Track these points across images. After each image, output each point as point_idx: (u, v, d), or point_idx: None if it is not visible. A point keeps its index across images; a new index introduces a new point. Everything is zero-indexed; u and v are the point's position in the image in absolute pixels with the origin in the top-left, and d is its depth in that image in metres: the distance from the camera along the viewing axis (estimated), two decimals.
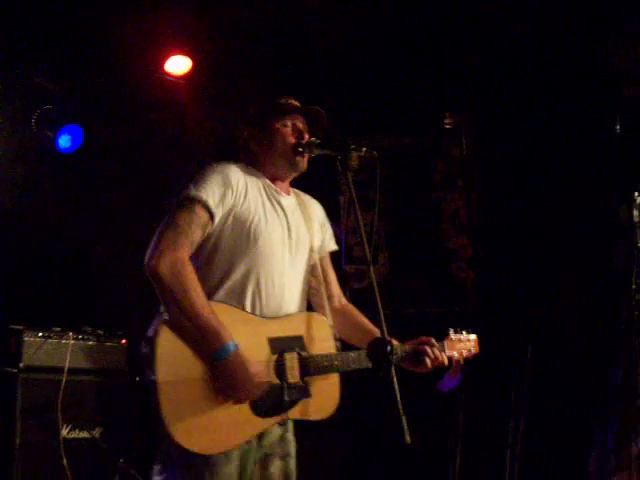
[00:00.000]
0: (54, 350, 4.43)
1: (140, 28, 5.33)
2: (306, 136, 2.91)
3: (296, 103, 2.98)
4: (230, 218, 2.74)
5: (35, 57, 5.46)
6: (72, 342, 4.49)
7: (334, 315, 2.99)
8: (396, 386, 2.37)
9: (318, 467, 4.94)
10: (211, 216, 2.69)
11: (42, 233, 5.71)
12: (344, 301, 3.17)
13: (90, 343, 4.61)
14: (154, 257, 2.59)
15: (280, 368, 2.68)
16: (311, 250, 2.98)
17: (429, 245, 5.25)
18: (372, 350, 2.51)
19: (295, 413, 2.71)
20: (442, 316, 5.05)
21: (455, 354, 3.12)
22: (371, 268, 2.59)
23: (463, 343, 3.18)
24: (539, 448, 4.56)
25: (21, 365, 4.30)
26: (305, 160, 2.91)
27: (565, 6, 4.78)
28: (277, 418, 2.68)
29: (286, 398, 2.66)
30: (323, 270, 3.05)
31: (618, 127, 4.42)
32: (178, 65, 5.51)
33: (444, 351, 3.03)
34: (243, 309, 2.72)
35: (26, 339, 4.35)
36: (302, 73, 5.45)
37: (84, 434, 4.42)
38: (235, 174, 2.78)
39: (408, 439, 2.31)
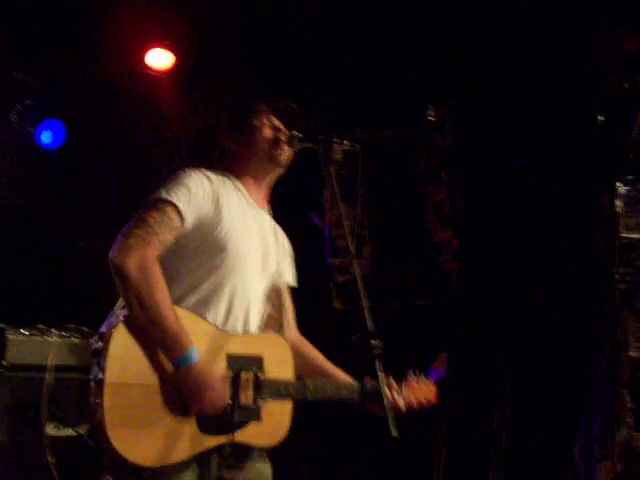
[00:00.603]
0: (38, 348, 4.39)
1: (122, 21, 5.30)
2: (283, 129, 2.87)
3: (268, 103, 2.93)
4: (200, 224, 2.65)
5: (14, 52, 5.41)
6: (56, 340, 4.46)
7: (290, 345, 2.89)
8: (383, 380, 2.37)
9: (302, 465, 4.95)
10: (182, 220, 2.60)
11: (25, 229, 5.68)
12: (297, 335, 3.06)
13: (74, 340, 4.57)
14: (121, 251, 2.49)
15: (234, 386, 2.57)
16: (277, 272, 2.91)
17: (414, 237, 5.25)
18: (358, 344, 2.50)
19: (242, 435, 2.59)
20: (427, 308, 5.06)
21: (413, 400, 2.99)
22: (355, 261, 2.57)
23: (422, 390, 3.05)
24: (524, 438, 4.59)
25: (4, 363, 4.26)
26: (285, 154, 2.86)
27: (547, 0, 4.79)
28: (222, 438, 2.56)
29: (235, 418, 2.55)
30: (282, 298, 2.96)
31: (600, 117, 4.43)
32: (160, 59, 5.48)
33: (401, 394, 2.93)
34: (205, 319, 2.63)
35: (9, 337, 4.31)
36: (284, 67, 5.43)
37: (69, 432, 4.39)
38: (208, 180, 2.72)
39: (395, 433, 2.30)
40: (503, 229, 4.94)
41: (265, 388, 2.64)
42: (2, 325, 4.35)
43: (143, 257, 2.49)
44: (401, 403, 2.90)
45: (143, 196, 5.90)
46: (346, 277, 5.15)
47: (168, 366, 2.47)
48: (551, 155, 4.77)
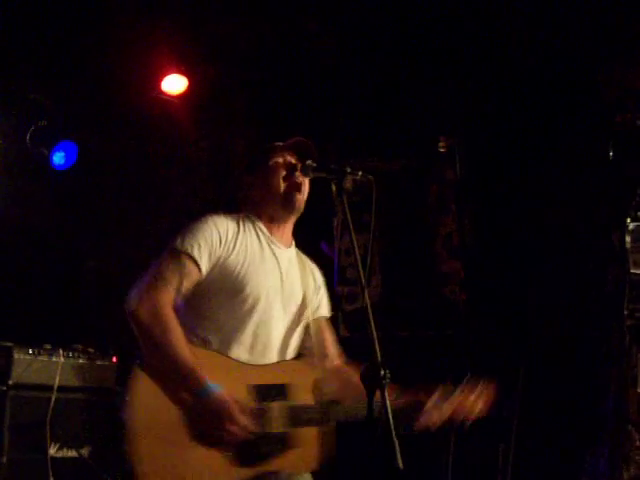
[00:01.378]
0: (44, 368, 4.40)
1: (137, 46, 5.36)
2: (298, 165, 2.91)
3: (283, 143, 2.99)
4: (219, 268, 2.75)
5: (31, 73, 5.47)
6: (62, 360, 4.46)
7: (327, 374, 2.90)
8: (390, 410, 2.36)
9: None
10: (198, 269, 2.70)
11: (34, 249, 5.70)
12: (340, 362, 3.06)
13: (80, 361, 4.57)
14: (135, 300, 2.62)
15: (261, 417, 2.60)
16: (305, 306, 2.95)
17: (422, 268, 5.25)
18: (366, 374, 2.48)
19: (274, 465, 2.61)
20: (435, 339, 5.04)
21: (461, 415, 2.90)
22: (366, 290, 2.57)
23: (474, 398, 2.94)
24: (530, 474, 4.55)
25: (10, 382, 4.27)
26: (298, 199, 2.90)
27: (560, 34, 4.83)
28: (255, 469, 2.59)
29: (264, 448, 2.57)
30: (319, 330, 3.00)
31: (611, 153, 4.45)
32: (174, 84, 5.53)
33: (445, 410, 2.85)
34: (228, 356, 2.69)
35: (16, 356, 4.32)
36: (297, 97, 5.48)
37: (72, 453, 4.38)
38: (225, 225, 2.81)
39: (400, 464, 2.29)
40: (512, 262, 4.94)
41: (292, 415, 2.66)
42: (9, 344, 4.36)
43: (154, 303, 2.60)
44: (439, 420, 2.81)
45: (152, 218, 5.94)
46: (354, 306, 5.15)
47: (189, 402, 2.52)
48: (561, 190, 4.77)
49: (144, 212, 5.90)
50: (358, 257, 2.62)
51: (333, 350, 3.05)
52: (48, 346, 4.49)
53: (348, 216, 2.68)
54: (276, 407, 2.64)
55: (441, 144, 5.19)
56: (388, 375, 2.41)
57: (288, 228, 3.00)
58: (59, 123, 5.61)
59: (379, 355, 2.45)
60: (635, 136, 4.44)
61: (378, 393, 2.34)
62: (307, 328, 2.98)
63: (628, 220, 4.33)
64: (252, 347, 2.74)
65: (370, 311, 2.53)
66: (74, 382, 4.51)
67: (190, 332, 2.69)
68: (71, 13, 5.31)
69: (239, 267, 2.77)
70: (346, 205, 2.70)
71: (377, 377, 2.40)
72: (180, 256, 2.69)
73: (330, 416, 2.72)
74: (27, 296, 5.42)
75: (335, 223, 5.26)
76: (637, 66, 4.57)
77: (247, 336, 2.74)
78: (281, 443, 2.62)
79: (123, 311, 2.63)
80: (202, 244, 2.72)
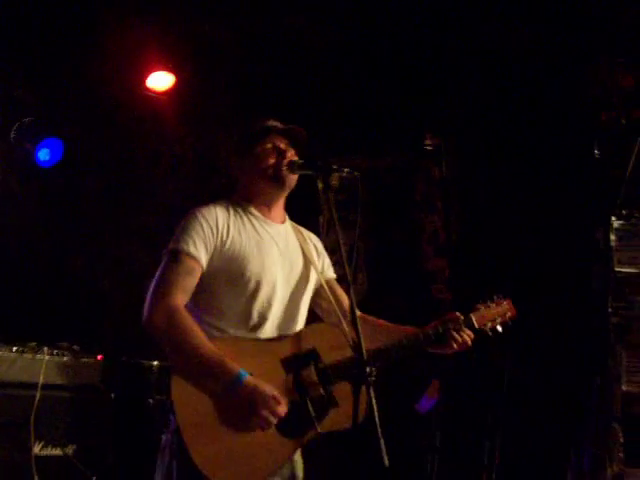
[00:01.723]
0: (28, 365, 4.37)
1: (123, 43, 5.34)
2: (288, 154, 2.94)
3: (275, 123, 3.02)
4: (217, 257, 2.81)
5: (15, 70, 5.44)
6: (47, 357, 4.43)
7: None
8: (375, 408, 2.36)
9: None
10: (198, 263, 2.77)
11: (19, 247, 5.67)
12: (359, 313, 3.11)
13: (65, 359, 4.55)
14: (148, 312, 2.69)
15: (300, 385, 2.70)
16: (311, 271, 3.02)
17: (408, 266, 5.26)
18: (351, 372, 2.49)
19: (326, 426, 2.71)
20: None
21: (488, 324, 3.04)
22: (352, 288, 2.59)
23: (494, 310, 3.10)
24: (515, 470, 4.57)
25: None
26: (291, 177, 2.94)
27: (546, 32, 4.84)
28: (309, 435, 2.69)
29: (312, 413, 2.67)
30: (331, 290, 3.06)
31: (596, 152, 4.47)
32: (160, 81, 5.52)
33: (473, 326, 2.99)
34: (250, 338, 2.77)
35: (0, 354, 4.29)
36: (283, 93, 5.47)
37: (57, 451, 4.36)
38: (214, 215, 2.86)
39: (386, 461, 2.30)
40: (497, 260, 4.95)
41: (329, 374, 2.74)
42: None
43: (166, 309, 2.67)
44: (466, 339, 2.94)
45: (138, 215, 5.91)
46: None
47: (223, 394, 2.60)
48: (547, 188, 4.79)
49: (130, 209, 5.88)
50: (344, 254, 2.64)
51: (348, 304, 3.10)
52: (33, 344, 4.46)
53: (334, 213, 2.70)
54: (311, 371, 2.73)
55: (427, 142, 5.20)
56: (374, 372, 2.43)
57: (280, 205, 3.04)
58: (44, 120, 5.58)
59: (364, 353, 2.47)
60: (620, 134, 4.46)
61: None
62: (320, 291, 3.05)
63: (613, 218, 4.34)
64: (262, 327, 2.80)
65: (355, 308, 2.55)
66: (59, 380, 4.48)
67: (205, 324, 2.76)
68: (57, 10, 5.29)
69: (236, 252, 2.82)
70: (332, 202, 2.71)
71: (363, 374, 2.41)
72: (179, 256, 2.76)
73: (369, 361, 2.74)
74: (11, 293, 5.39)
75: (321, 221, 5.26)
76: (622, 64, 4.59)
77: (254, 317, 2.80)
78: (327, 402, 2.71)
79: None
80: (196, 239, 2.78)
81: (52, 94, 5.68)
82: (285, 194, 3.01)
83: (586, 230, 4.58)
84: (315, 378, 2.72)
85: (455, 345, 2.93)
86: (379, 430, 2.33)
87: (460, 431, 4.72)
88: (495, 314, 3.10)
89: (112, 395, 4.66)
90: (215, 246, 2.81)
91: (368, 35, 5.27)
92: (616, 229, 4.34)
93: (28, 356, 4.38)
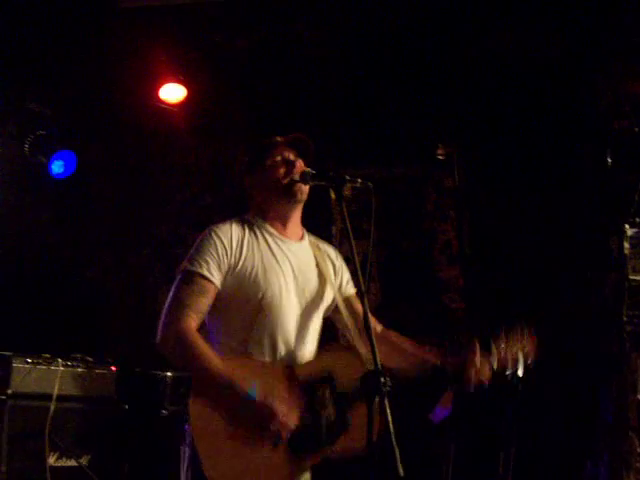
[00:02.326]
0: (43, 377, 4.37)
1: (135, 55, 5.37)
2: (297, 164, 2.93)
3: (282, 138, 3.02)
4: (231, 277, 2.81)
5: (29, 82, 5.48)
6: (61, 369, 4.44)
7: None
8: (390, 418, 2.36)
9: None
10: (212, 283, 2.78)
11: (33, 259, 5.70)
12: (379, 328, 3.14)
13: (79, 370, 4.56)
14: (161, 335, 2.71)
15: (313, 408, 2.72)
16: (325, 292, 3.00)
17: (421, 275, 5.25)
18: (365, 382, 2.49)
19: (336, 449, 2.73)
20: (433, 347, 5.03)
21: (509, 362, 2.97)
22: (365, 298, 2.59)
23: (515, 347, 3.01)
24: None
25: (9, 392, 4.24)
26: (300, 188, 2.92)
27: (557, 41, 4.84)
28: (317, 457, 2.72)
29: (324, 436, 2.70)
30: (350, 306, 3.06)
31: (609, 160, 4.46)
32: (173, 93, 5.54)
33: (492, 362, 2.93)
34: (263, 360, 2.78)
35: (14, 365, 4.30)
36: (295, 103, 5.48)
37: (71, 462, 4.36)
38: (227, 235, 2.85)
39: (401, 471, 2.29)
40: (510, 269, 4.94)
41: (343, 398, 2.76)
42: (8, 353, 4.34)
43: (178, 332, 2.69)
44: (484, 376, 2.91)
45: (151, 227, 5.94)
46: None
47: (236, 410, 2.63)
48: (560, 197, 4.78)
49: (143, 220, 5.90)
50: (357, 265, 2.63)
51: (369, 321, 3.08)
52: (47, 355, 4.47)
53: (347, 223, 2.69)
54: (326, 394, 2.74)
55: (440, 151, 5.20)
56: (388, 383, 2.43)
57: (295, 220, 3.02)
58: (58, 132, 5.61)
59: (379, 362, 2.47)
60: (633, 142, 4.45)
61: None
62: (338, 308, 3.03)
63: (626, 226, 4.33)
64: (274, 348, 2.81)
65: (369, 318, 2.55)
66: (73, 391, 4.49)
67: (217, 343, 2.80)
68: (70, 22, 5.33)
69: (249, 272, 2.82)
70: (345, 212, 2.71)
71: (377, 384, 2.41)
72: (193, 277, 2.76)
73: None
74: (26, 305, 5.41)
75: (334, 231, 5.26)
76: (635, 72, 4.59)
77: (265, 337, 2.80)
78: (339, 427, 2.73)
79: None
80: (209, 260, 2.78)
81: (65, 107, 5.71)
82: (299, 207, 3.00)
83: (600, 238, 4.57)
84: (329, 402, 2.74)
85: (472, 380, 2.90)
86: (394, 440, 2.32)
87: (474, 441, 4.70)
88: (515, 353, 3.02)
89: (126, 406, 4.67)
90: (229, 266, 2.81)
91: (382, 45, 5.28)
92: (630, 237, 4.33)
93: (42, 367, 4.39)
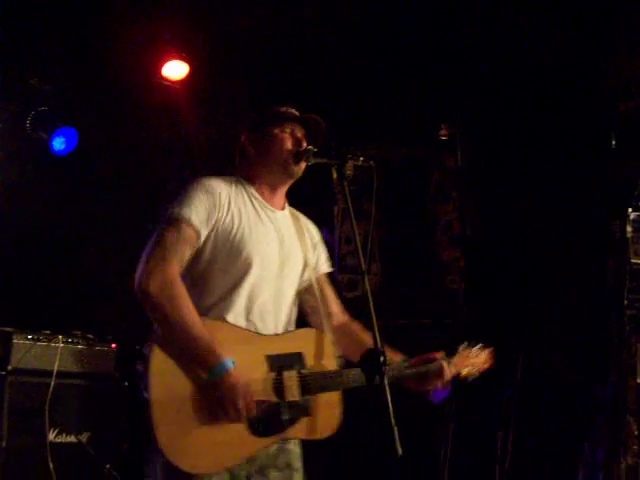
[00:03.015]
0: (43, 353, 4.39)
1: (138, 32, 5.33)
2: (304, 144, 2.89)
3: (295, 112, 2.97)
4: (215, 233, 2.73)
5: (31, 59, 5.45)
6: (61, 345, 4.45)
7: (334, 333, 2.93)
8: (389, 397, 2.36)
9: None
10: (197, 233, 2.68)
11: (34, 235, 5.69)
12: (345, 318, 3.09)
13: (79, 347, 4.57)
14: (143, 276, 2.58)
15: (278, 386, 2.65)
16: (305, 266, 2.95)
17: (422, 256, 5.25)
18: (365, 360, 2.48)
19: (295, 432, 2.68)
20: (434, 328, 5.04)
21: (463, 371, 3.02)
22: (365, 278, 2.57)
23: (474, 359, 3.07)
24: (528, 463, 4.55)
25: (9, 367, 4.25)
26: (301, 167, 2.89)
27: (562, 24, 4.80)
28: (275, 437, 2.64)
29: (284, 417, 2.63)
30: (320, 288, 3.00)
31: (613, 142, 4.43)
32: (175, 70, 5.51)
33: (452, 368, 2.95)
34: (237, 325, 2.69)
35: (15, 341, 4.31)
36: (298, 82, 5.45)
37: (71, 438, 4.38)
38: (219, 188, 2.77)
39: (400, 450, 2.29)
40: (512, 251, 4.93)
41: (310, 383, 2.70)
42: (8, 329, 4.35)
43: (164, 278, 2.57)
44: (447, 380, 2.89)
45: (153, 205, 5.93)
46: (354, 293, 5.15)
47: (203, 378, 2.54)
48: (563, 179, 4.76)
49: (145, 198, 5.89)
50: (358, 244, 2.62)
51: (336, 307, 3.08)
52: (47, 332, 4.48)
53: (349, 202, 2.67)
54: (293, 375, 2.68)
55: (442, 132, 5.18)
56: (387, 361, 2.43)
57: (282, 192, 2.97)
58: (59, 109, 5.59)
59: (379, 342, 2.46)
60: (638, 125, 4.43)
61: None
62: (310, 287, 2.98)
63: (630, 210, 4.31)
64: (249, 310, 2.73)
65: (370, 298, 2.54)
66: (73, 368, 4.50)
67: (192, 298, 2.65)
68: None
69: (235, 230, 2.75)
70: (347, 191, 2.69)
71: (377, 363, 2.41)
72: (179, 223, 2.66)
73: (344, 383, 2.76)
74: (26, 282, 5.42)
75: (335, 211, 5.25)
76: None
77: (242, 299, 2.72)
78: (299, 411, 2.67)
79: (134, 291, 2.61)
80: (200, 209, 2.69)
81: (67, 83, 5.68)
82: (290, 182, 2.95)
83: (602, 222, 4.55)
84: (295, 383, 2.67)
85: (431, 390, 2.88)
86: (392, 419, 2.33)
87: (473, 422, 4.71)
88: (474, 363, 3.06)
89: (126, 383, 4.68)
90: (216, 220, 2.72)
91: (384, 25, 5.24)
92: (633, 221, 4.32)
93: (43, 344, 4.40)
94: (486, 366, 3.12)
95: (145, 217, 5.90)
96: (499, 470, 4.50)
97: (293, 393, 2.66)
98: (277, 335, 2.77)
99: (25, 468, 4.16)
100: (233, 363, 2.54)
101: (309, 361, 2.74)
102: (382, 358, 2.39)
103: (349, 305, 5.28)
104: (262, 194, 2.90)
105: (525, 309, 4.80)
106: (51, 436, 4.28)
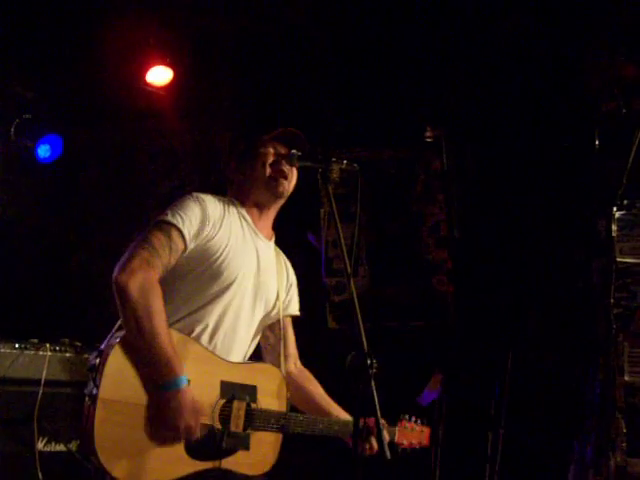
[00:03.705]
0: (31, 362, 4.35)
1: (122, 38, 5.33)
2: (286, 156, 2.91)
3: (276, 131, 2.98)
4: (201, 248, 2.74)
5: (15, 66, 5.44)
6: (49, 354, 4.43)
7: (288, 376, 2.97)
8: (376, 399, 2.36)
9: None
10: (184, 244, 2.69)
11: (20, 243, 5.67)
12: (299, 365, 3.13)
13: (67, 355, 4.54)
14: (125, 272, 2.56)
15: (225, 414, 2.64)
16: (276, 302, 2.97)
17: (409, 258, 5.26)
18: (352, 362, 2.48)
19: (229, 463, 2.66)
20: (422, 329, 5.05)
21: (404, 442, 3.10)
22: (352, 281, 2.58)
23: (415, 433, 3.15)
24: (518, 462, 4.57)
25: None
26: (283, 183, 2.91)
27: (545, 24, 4.83)
28: (209, 464, 2.62)
29: (223, 446, 2.61)
30: (284, 329, 3.03)
31: (597, 142, 4.46)
32: (159, 76, 5.51)
33: (393, 439, 3.03)
34: (200, 343, 2.69)
35: (2, 350, 4.28)
36: (283, 86, 5.46)
37: (60, 447, 4.36)
38: (212, 205, 2.80)
39: (388, 454, 2.30)
40: (499, 252, 4.95)
41: (256, 418, 2.70)
42: None
43: (145, 280, 2.56)
44: (372, 449, 2.79)
45: (139, 210, 5.92)
46: (342, 297, 5.15)
47: (154, 390, 2.52)
48: (548, 179, 4.79)
49: (130, 205, 5.88)
50: (344, 248, 2.62)
51: (294, 351, 3.11)
52: (35, 340, 4.45)
53: (333, 206, 2.68)
54: (242, 407, 2.67)
55: (428, 134, 5.19)
56: (375, 364, 2.43)
57: (271, 216, 3.01)
58: (44, 116, 5.57)
59: (366, 345, 2.46)
60: (621, 125, 4.45)
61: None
62: (274, 325, 3.00)
63: (614, 209, 4.33)
64: (214, 331, 2.74)
65: (356, 301, 2.54)
66: (61, 376, 4.47)
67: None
68: (56, 6, 5.27)
69: (220, 250, 2.76)
70: (331, 194, 2.70)
71: (364, 366, 2.41)
72: (170, 229, 2.66)
73: (289, 427, 2.78)
74: (13, 289, 5.39)
75: (322, 214, 5.25)
76: (623, 54, 4.58)
77: (212, 319, 2.73)
78: (238, 443, 2.66)
79: (112, 281, 2.59)
80: (193, 220, 2.71)
81: (51, 90, 5.67)
82: (278, 202, 2.98)
83: (587, 221, 4.57)
84: (242, 415, 2.67)
85: (367, 451, 2.79)
86: (380, 422, 2.33)
87: (463, 423, 4.72)
88: (414, 437, 3.14)
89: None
90: (205, 236, 2.73)
91: (369, 27, 5.26)
92: (617, 220, 4.33)
93: (30, 352, 4.37)
94: (424, 443, 3.19)
95: (132, 222, 5.89)
96: (490, 470, 4.50)
97: (237, 424, 2.65)
98: (237, 363, 2.77)
99: (14, 477, 4.14)
100: (188, 381, 2.53)
101: (261, 397, 2.74)
102: (369, 361, 2.39)
103: (337, 308, 5.32)
104: (251, 215, 2.94)
105: (513, 309, 4.82)
106: (40, 445, 4.26)
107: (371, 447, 2.77)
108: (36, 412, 4.23)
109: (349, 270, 2.59)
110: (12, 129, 5.40)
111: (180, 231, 2.67)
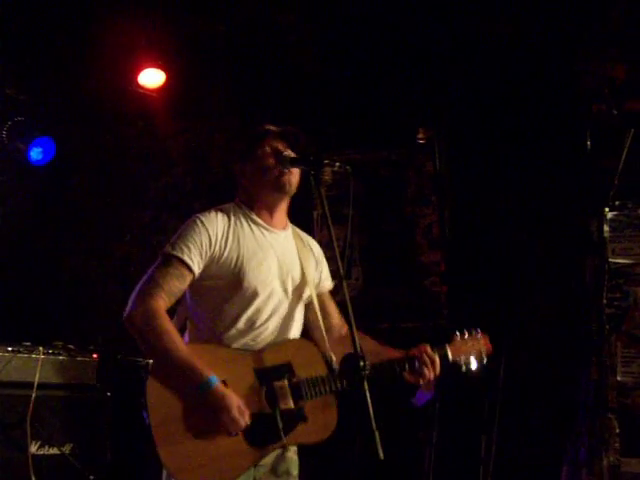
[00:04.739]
0: (24, 365, 4.35)
1: (114, 41, 5.33)
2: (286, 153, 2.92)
3: (274, 128, 3.01)
4: (215, 266, 2.83)
5: (7, 69, 5.43)
6: (42, 357, 4.42)
7: (335, 346, 2.95)
8: (369, 401, 2.37)
9: None
10: (190, 270, 2.79)
11: (12, 246, 5.66)
12: (345, 331, 3.13)
13: (61, 358, 4.54)
14: (130, 310, 2.71)
15: (271, 396, 2.73)
16: (307, 284, 3.01)
17: (403, 260, 5.26)
18: (344, 366, 2.50)
19: (293, 439, 2.75)
20: (416, 331, 5.05)
21: (462, 358, 3.04)
22: (344, 282, 2.60)
23: (471, 343, 3.08)
24: (512, 464, 4.57)
25: None
26: (289, 179, 2.92)
27: (537, 26, 4.84)
28: (274, 446, 2.73)
29: (280, 425, 2.70)
30: (321, 304, 3.08)
31: (589, 143, 4.48)
32: (151, 78, 5.51)
33: (447, 357, 2.99)
34: (225, 346, 2.80)
35: None
36: (275, 87, 5.46)
37: (54, 450, 4.35)
38: (213, 225, 2.86)
39: (381, 455, 2.30)
40: (491, 253, 4.96)
41: (301, 389, 2.77)
42: None
43: (147, 309, 2.69)
44: (434, 370, 2.90)
45: (132, 213, 5.91)
46: (335, 299, 5.14)
47: (193, 396, 2.65)
48: (540, 180, 4.80)
49: (123, 206, 5.88)
50: (336, 249, 2.64)
51: (337, 320, 3.15)
52: (27, 343, 4.45)
53: (325, 207, 2.70)
54: (284, 385, 2.75)
55: (420, 135, 5.19)
56: (368, 366, 2.44)
57: (282, 211, 3.03)
58: (36, 119, 5.56)
59: (359, 347, 2.47)
60: (612, 126, 4.47)
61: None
62: (311, 304, 3.04)
63: (606, 209, 4.35)
64: (256, 335, 2.83)
65: (349, 303, 2.55)
66: (55, 379, 4.47)
67: (202, 329, 2.84)
68: (47, 8, 5.27)
69: (234, 262, 2.83)
70: (323, 196, 2.72)
71: (357, 368, 2.42)
72: (171, 260, 2.78)
73: (336, 385, 2.81)
74: (5, 292, 5.38)
75: (315, 216, 5.25)
76: (614, 55, 4.60)
77: (250, 325, 2.83)
78: (294, 418, 2.74)
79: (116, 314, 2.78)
80: (192, 246, 2.79)
81: (43, 93, 5.67)
82: (286, 198, 3.00)
83: (580, 222, 4.59)
84: (287, 391, 2.75)
85: (422, 381, 2.91)
86: (374, 423, 2.33)
87: (457, 425, 4.73)
88: (470, 348, 3.08)
89: (108, 393, 4.66)
90: (213, 256, 2.82)
91: (362, 29, 5.26)
92: (610, 220, 4.35)
93: (23, 355, 4.37)
94: (486, 350, 3.11)
95: (124, 225, 5.89)
96: (483, 472, 4.51)
97: (286, 402, 2.73)
98: (263, 350, 2.84)
99: None
100: (223, 382, 2.64)
101: (298, 369, 2.80)
102: (362, 363, 2.40)
103: None
104: (262, 217, 2.97)
105: (506, 311, 4.82)
106: (33, 448, 4.25)
107: (423, 377, 2.87)
108: (29, 415, 4.23)
109: (342, 272, 2.61)
110: (4, 132, 5.38)
111: (182, 260, 2.77)
